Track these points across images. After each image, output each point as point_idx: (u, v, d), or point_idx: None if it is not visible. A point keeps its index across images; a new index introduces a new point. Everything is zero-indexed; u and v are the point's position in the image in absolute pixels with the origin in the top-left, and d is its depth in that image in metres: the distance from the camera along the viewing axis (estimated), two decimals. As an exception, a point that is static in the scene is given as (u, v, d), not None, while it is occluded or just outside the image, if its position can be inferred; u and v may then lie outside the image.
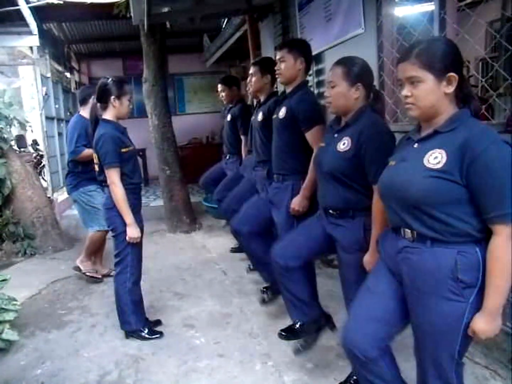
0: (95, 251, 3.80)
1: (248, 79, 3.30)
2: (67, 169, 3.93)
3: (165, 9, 4.47)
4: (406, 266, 1.47)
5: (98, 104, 2.67)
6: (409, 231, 1.45)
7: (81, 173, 3.62)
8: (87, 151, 3.46)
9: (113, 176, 2.55)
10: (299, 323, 2.57)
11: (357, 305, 1.67)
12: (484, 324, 1.33)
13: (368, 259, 1.86)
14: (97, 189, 3.54)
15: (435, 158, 1.34)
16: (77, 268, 3.79)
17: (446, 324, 1.39)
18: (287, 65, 2.53)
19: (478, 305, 1.35)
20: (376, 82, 3.05)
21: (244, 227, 2.90)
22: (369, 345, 1.56)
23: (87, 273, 3.77)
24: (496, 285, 1.31)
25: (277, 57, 2.56)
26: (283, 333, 2.65)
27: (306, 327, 2.41)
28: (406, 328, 1.63)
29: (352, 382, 2.12)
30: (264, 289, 3.24)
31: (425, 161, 1.36)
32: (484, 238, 1.34)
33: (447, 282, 1.36)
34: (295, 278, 2.26)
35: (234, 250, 4.40)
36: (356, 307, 1.68)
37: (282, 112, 2.56)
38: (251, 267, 3.87)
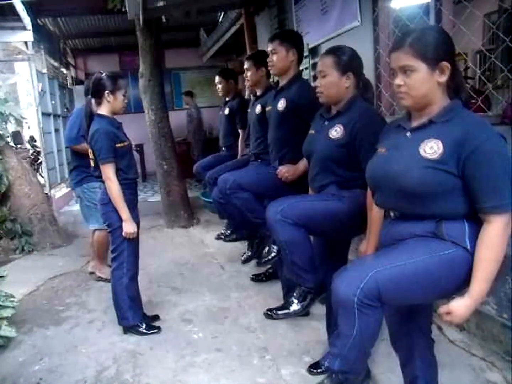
0: (105, 251, 3.70)
1: (244, 74, 3.30)
2: (70, 163, 3.87)
3: (160, 3, 4.43)
4: (390, 239, 1.50)
5: (93, 99, 2.66)
6: (395, 212, 1.49)
7: (86, 168, 3.44)
8: (86, 145, 3.42)
9: (108, 172, 2.54)
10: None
11: None
12: (466, 309, 1.34)
13: (364, 247, 1.84)
14: (101, 187, 3.49)
15: (431, 148, 1.35)
16: (93, 274, 3.73)
17: (415, 250, 1.38)
18: (279, 56, 2.52)
19: (461, 265, 1.35)
20: (372, 75, 3.06)
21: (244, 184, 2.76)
22: None
23: (102, 276, 3.68)
24: (487, 272, 1.32)
25: (269, 49, 2.55)
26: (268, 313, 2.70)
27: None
28: None
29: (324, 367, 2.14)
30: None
31: (421, 151, 1.36)
32: (468, 219, 1.36)
33: (431, 237, 1.39)
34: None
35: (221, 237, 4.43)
36: None
37: (281, 104, 2.54)
38: (222, 236, 3.81)
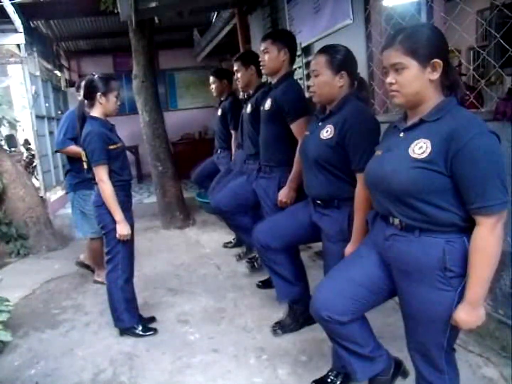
0: (100, 257, 3.65)
1: (235, 76, 3.30)
2: (65, 166, 3.86)
3: (153, 4, 4.41)
4: (394, 254, 1.47)
5: (85, 101, 2.65)
6: (397, 219, 1.44)
7: (77, 173, 3.45)
8: (74, 148, 3.42)
9: (101, 174, 2.52)
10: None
11: (336, 267, 1.66)
12: (466, 314, 1.33)
13: (350, 249, 1.84)
14: (94, 189, 3.45)
15: (420, 148, 1.33)
16: (98, 281, 3.69)
17: (435, 313, 1.39)
18: (271, 56, 2.52)
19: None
20: (365, 73, 3.06)
21: (224, 206, 3.03)
22: (344, 307, 1.55)
23: (98, 279, 3.66)
24: (478, 276, 1.30)
25: (261, 48, 2.55)
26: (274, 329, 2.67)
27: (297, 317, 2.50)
28: (385, 302, 1.65)
29: (332, 377, 2.12)
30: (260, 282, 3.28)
31: (410, 151, 1.35)
32: (470, 227, 1.33)
33: (435, 272, 1.36)
34: (277, 259, 2.30)
35: (228, 245, 4.42)
36: (334, 270, 1.66)
37: (267, 104, 2.54)
38: (241, 255, 3.94)
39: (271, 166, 2.61)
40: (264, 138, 2.62)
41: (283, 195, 2.49)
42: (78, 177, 3.47)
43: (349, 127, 1.84)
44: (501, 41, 2.18)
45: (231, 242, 4.41)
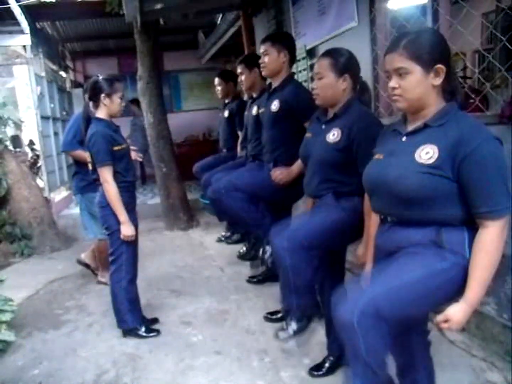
0: (106, 258, 3.70)
1: (239, 78, 3.31)
2: (72, 167, 3.86)
3: (158, 6, 4.43)
4: (389, 245, 1.47)
5: (91, 103, 2.66)
6: (394, 218, 1.46)
7: (85, 176, 3.41)
8: (81, 153, 3.41)
9: (106, 174, 2.53)
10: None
11: None
12: (463, 314, 1.32)
13: (362, 251, 1.84)
14: (99, 190, 3.44)
15: (427, 154, 1.33)
16: (101, 282, 3.70)
17: (415, 268, 1.35)
18: (270, 58, 2.54)
19: (459, 274, 1.33)
20: (370, 75, 3.06)
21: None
22: None
23: (102, 280, 3.66)
24: (482, 277, 1.31)
25: (261, 50, 2.58)
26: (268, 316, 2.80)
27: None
28: None
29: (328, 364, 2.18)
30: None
31: (416, 156, 1.35)
32: (468, 226, 1.34)
33: (430, 246, 1.36)
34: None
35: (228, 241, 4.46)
36: None
37: (275, 105, 2.54)
38: (222, 238, 4.22)
39: (276, 166, 2.62)
40: (270, 139, 2.62)
41: (282, 172, 2.51)
42: (85, 179, 3.46)
43: (357, 130, 1.85)
44: (507, 44, 2.18)
45: (223, 236, 4.45)
